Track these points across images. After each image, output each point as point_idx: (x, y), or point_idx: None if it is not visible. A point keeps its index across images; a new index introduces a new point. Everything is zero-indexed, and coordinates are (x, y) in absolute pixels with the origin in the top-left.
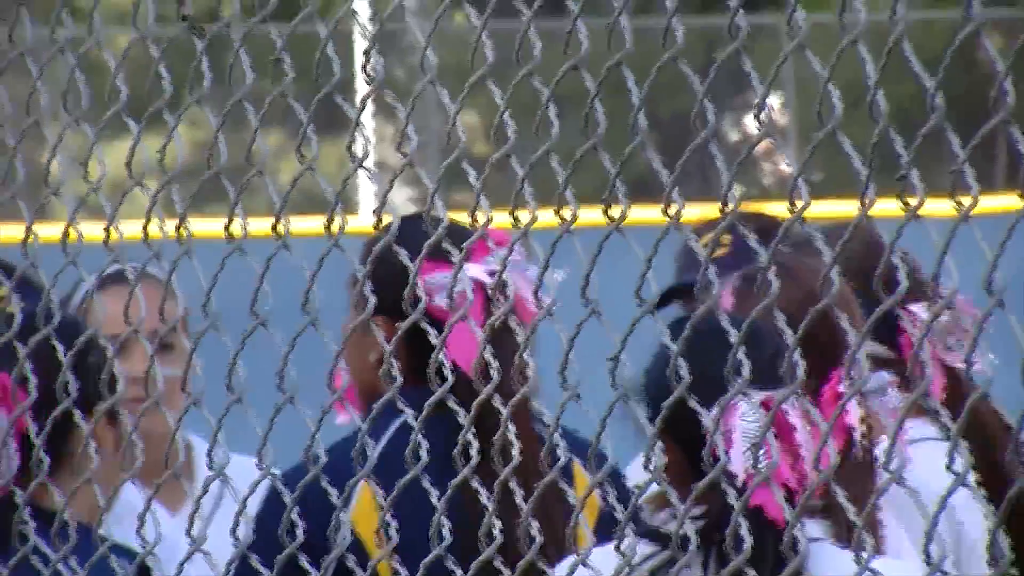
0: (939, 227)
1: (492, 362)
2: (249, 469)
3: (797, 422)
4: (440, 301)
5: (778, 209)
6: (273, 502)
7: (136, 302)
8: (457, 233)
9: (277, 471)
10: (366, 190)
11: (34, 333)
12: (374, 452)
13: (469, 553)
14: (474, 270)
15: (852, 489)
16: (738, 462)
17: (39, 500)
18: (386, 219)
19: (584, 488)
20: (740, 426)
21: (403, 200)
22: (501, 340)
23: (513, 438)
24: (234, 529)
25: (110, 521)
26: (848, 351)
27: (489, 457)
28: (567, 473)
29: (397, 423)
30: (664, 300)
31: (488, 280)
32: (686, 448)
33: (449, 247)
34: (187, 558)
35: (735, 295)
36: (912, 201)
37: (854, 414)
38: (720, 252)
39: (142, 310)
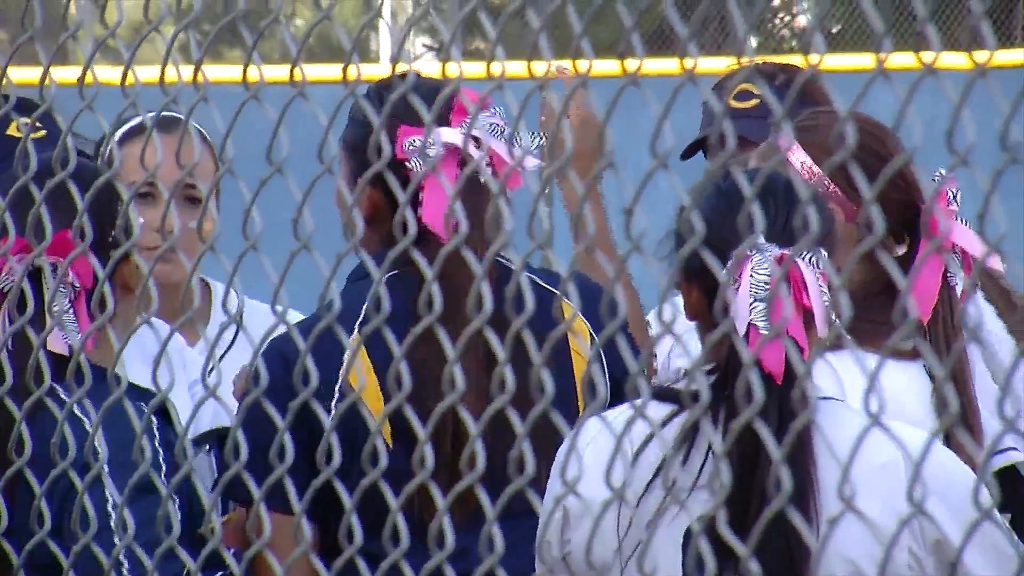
0: (956, 81)
1: (461, 214)
2: (263, 314)
3: (811, 278)
4: (413, 163)
5: (794, 62)
6: (275, 350)
7: (154, 151)
8: (435, 93)
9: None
10: (384, 38)
11: (52, 177)
12: (339, 305)
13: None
14: (449, 134)
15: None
16: (742, 314)
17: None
18: (401, 68)
19: (582, 331)
20: (749, 277)
21: (419, 49)
22: (478, 199)
23: (484, 291)
24: (252, 374)
25: (127, 364)
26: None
27: (457, 309)
28: (548, 319)
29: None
30: (690, 151)
31: (461, 143)
32: (710, 296)
33: (419, 106)
34: (201, 403)
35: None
36: (928, 57)
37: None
38: (750, 104)
39: (158, 157)
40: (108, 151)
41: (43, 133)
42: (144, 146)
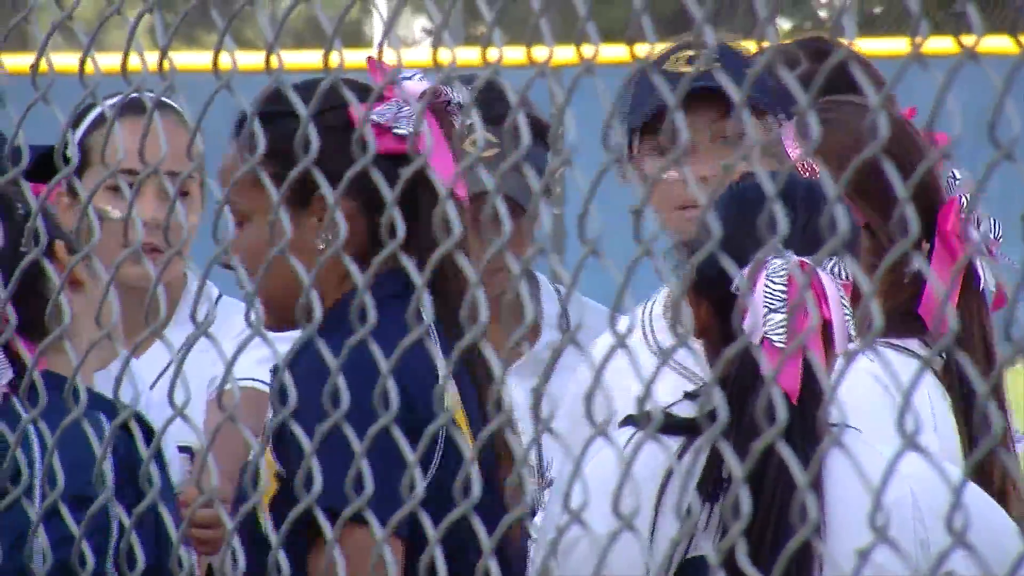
0: (999, 67)
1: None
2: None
3: (832, 288)
4: (401, 128)
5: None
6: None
7: (150, 137)
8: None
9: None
10: (379, 21)
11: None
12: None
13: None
14: (417, 85)
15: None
16: (754, 324)
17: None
18: (389, 53)
19: None
20: (763, 286)
21: (417, 32)
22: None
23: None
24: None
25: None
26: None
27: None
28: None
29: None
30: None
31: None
32: (720, 311)
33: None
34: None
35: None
36: (969, 40)
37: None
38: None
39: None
40: (68, 143)
41: None
42: (145, 134)
